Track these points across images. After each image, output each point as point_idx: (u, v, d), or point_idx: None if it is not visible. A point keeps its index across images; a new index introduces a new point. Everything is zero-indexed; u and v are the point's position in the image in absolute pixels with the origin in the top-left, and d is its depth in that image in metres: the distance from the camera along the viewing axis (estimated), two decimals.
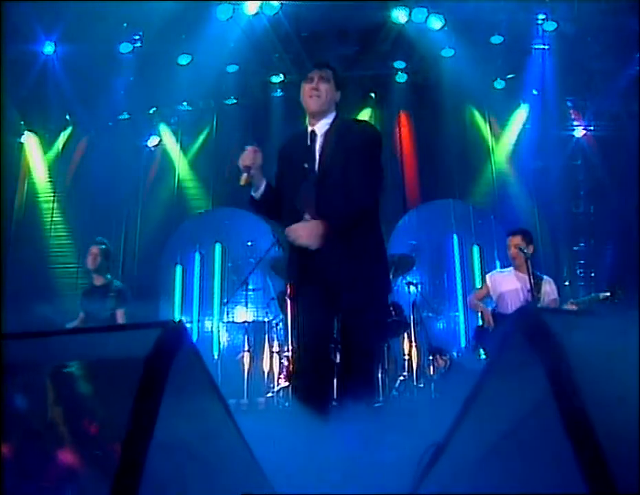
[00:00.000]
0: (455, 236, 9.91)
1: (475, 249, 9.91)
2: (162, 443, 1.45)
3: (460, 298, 9.69)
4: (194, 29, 9.06)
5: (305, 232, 3.48)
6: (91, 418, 1.64)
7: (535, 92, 9.89)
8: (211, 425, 1.81)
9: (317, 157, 3.66)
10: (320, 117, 3.77)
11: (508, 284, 6.45)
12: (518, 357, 1.53)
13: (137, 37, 9.33)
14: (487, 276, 6.82)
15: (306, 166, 3.63)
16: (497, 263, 9.17)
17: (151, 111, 10.48)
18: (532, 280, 6.03)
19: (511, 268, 6.57)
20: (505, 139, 10.29)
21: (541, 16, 8.99)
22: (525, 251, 6.17)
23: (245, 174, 3.56)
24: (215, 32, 9.09)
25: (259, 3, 8.78)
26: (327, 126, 3.75)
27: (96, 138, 10.31)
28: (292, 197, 3.66)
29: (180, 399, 1.66)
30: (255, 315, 9.12)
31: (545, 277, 6.55)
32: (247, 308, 8.77)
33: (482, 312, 6.69)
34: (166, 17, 8.66)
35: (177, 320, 1.71)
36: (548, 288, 6.44)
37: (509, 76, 9.85)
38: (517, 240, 6.37)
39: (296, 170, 3.68)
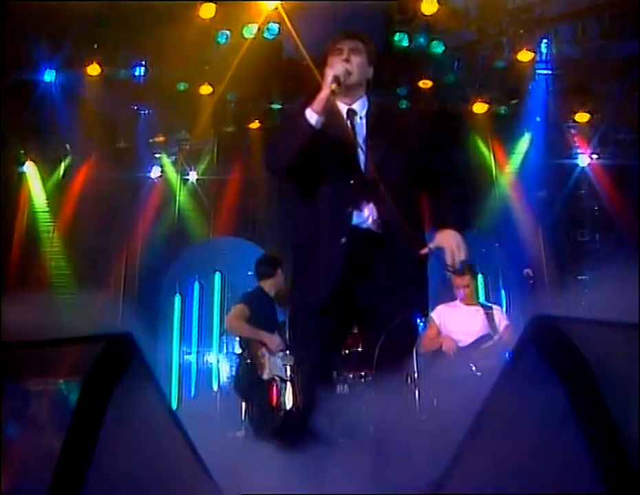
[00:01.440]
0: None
1: (479, 278, 9.44)
2: (102, 466, 1.31)
3: None
4: (194, 56, 8.98)
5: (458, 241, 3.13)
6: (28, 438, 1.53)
7: (538, 119, 9.74)
8: (160, 446, 1.56)
9: (362, 141, 3.24)
10: (353, 94, 3.37)
11: (458, 318, 6.29)
12: (533, 371, 1.42)
13: (142, 64, 9.22)
14: (432, 314, 6.43)
15: (352, 143, 3.21)
16: (503, 293, 8.97)
17: (152, 140, 10.33)
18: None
19: (457, 301, 6.45)
20: (509, 166, 10.15)
21: (544, 41, 8.83)
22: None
23: (334, 83, 3.11)
24: (215, 58, 9.00)
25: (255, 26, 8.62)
26: (365, 109, 3.37)
27: (96, 168, 10.14)
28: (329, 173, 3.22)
29: (125, 421, 1.41)
30: None
31: (494, 306, 6.54)
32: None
33: (442, 345, 6.28)
34: (168, 44, 8.59)
35: (124, 332, 1.51)
36: (500, 315, 6.36)
37: (513, 102, 9.71)
38: (465, 280, 6.33)
39: (331, 142, 3.21)
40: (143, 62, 9.18)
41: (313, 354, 3.17)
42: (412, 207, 3.30)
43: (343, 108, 3.34)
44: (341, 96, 3.31)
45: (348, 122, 3.30)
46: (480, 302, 6.52)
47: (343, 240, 3.09)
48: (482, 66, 9.23)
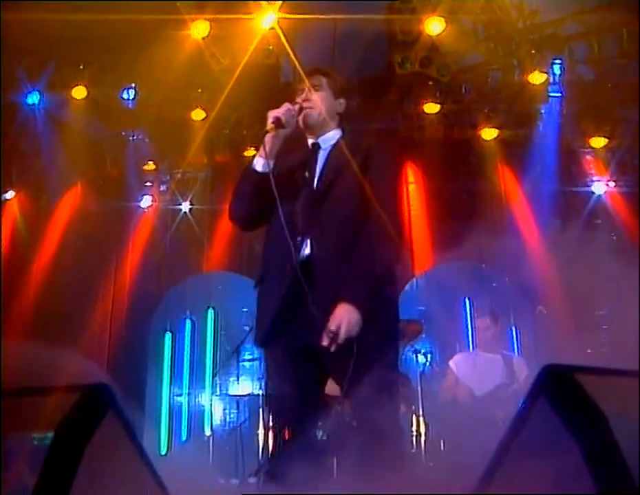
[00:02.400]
0: (466, 300, 9.71)
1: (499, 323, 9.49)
2: None
3: None
4: (186, 78, 9.02)
5: (348, 321, 3.03)
6: None
7: (551, 144, 9.70)
8: None
9: (317, 173, 3.36)
10: (318, 130, 3.47)
11: (476, 366, 6.41)
12: (545, 423, 1.39)
13: (128, 86, 9.23)
14: (450, 363, 6.76)
15: (306, 175, 3.35)
16: (513, 330, 8.94)
17: (142, 168, 10.35)
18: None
19: (479, 349, 6.64)
20: (519, 195, 10.11)
21: (557, 61, 8.81)
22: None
23: (272, 124, 3.26)
24: (208, 81, 9.00)
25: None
26: (333, 141, 3.45)
27: (82, 197, 10.18)
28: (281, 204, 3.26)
29: (99, 475, 1.39)
30: (249, 387, 8.92)
31: (514, 355, 6.70)
32: (240, 380, 8.72)
33: (458, 394, 6.43)
34: (158, 66, 8.57)
35: (102, 383, 1.49)
36: (521, 365, 6.43)
37: (524, 126, 9.72)
38: (486, 322, 6.56)
39: (290, 176, 3.36)
40: (132, 85, 9.20)
41: (283, 398, 3.23)
42: (347, 244, 3.22)
43: (309, 140, 3.47)
44: (309, 132, 3.45)
45: (311, 155, 3.41)
46: (499, 351, 6.60)
47: (288, 266, 3.13)
48: (491, 89, 9.26)
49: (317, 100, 3.42)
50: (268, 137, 3.25)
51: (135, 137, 9.87)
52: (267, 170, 3.21)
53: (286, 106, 3.34)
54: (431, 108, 9.62)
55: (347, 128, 3.54)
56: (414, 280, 9.84)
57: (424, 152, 10.15)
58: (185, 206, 10.63)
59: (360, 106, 9.48)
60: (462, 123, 9.88)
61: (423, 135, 10.10)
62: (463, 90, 9.48)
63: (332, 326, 2.98)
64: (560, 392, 1.34)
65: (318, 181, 3.31)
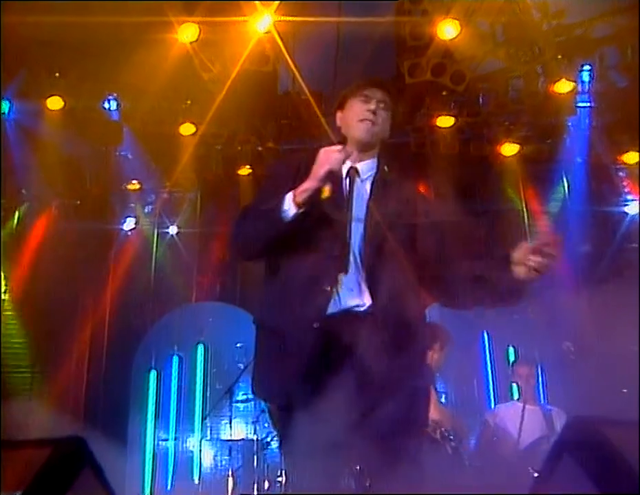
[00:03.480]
0: (485, 335, 9.73)
1: (510, 351, 9.73)
2: None
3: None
4: (174, 88, 9.01)
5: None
6: None
7: (579, 160, 9.67)
8: None
9: (359, 208, 3.18)
10: (366, 153, 3.33)
11: (514, 419, 6.42)
12: (573, 476, 1.40)
13: (110, 97, 9.20)
14: (487, 416, 6.92)
15: (344, 209, 3.15)
16: (538, 369, 8.74)
17: (125, 187, 10.38)
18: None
19: (516, 401, 6.77)
20: (544, 217, 10.03)
21: (586, 67, 8.73)
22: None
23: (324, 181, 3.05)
24: (198, 91, 8.98)
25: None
26: (373, 170, 3.31)
27: (58, 218, 10.15)
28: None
29: None
30: (243, 431, 9.03)
31: (554, 408, 6.71)
32: (233, 423, 8.69)
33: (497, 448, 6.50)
34: (142, 74, 8.53)
35: (76, 436, 1.45)
36: (561, 418, 6.50)
37: (549, 141, 9.67)
38: (524, 370, 6.69)
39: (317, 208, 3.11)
40: (114, 95, 9.18)
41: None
42: (408, 284, 3.17)
43: (344, 166, 3.22)
44: (356, 150, 3.28)
45: (347, 183, 3.22)
46: (539, 403, 6.80)
47: (316, 325, 2.99)
48: (511, 99, 9.16)
49: (384, 122, 3.33)
50: (308, 186, 3.04)
51: (117, 153, 9.85)
52: (296, 217, 3.03)
53: (339, 152, 3.10)
54: (445, 121, 9.58)
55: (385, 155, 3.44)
56: (426, 311, 9.59)
57: (437, 171, 9.87)
58: (172, 229, 10.68)
59: None
60: (479, 138, 9.82)
61: (435, 152, 10.01)
62: (480, 101, 9.45)
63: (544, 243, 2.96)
64: (586, 447, 1.32)
65: (367, 215, 3.16)
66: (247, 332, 9.20)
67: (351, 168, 3.24)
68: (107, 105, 9.23)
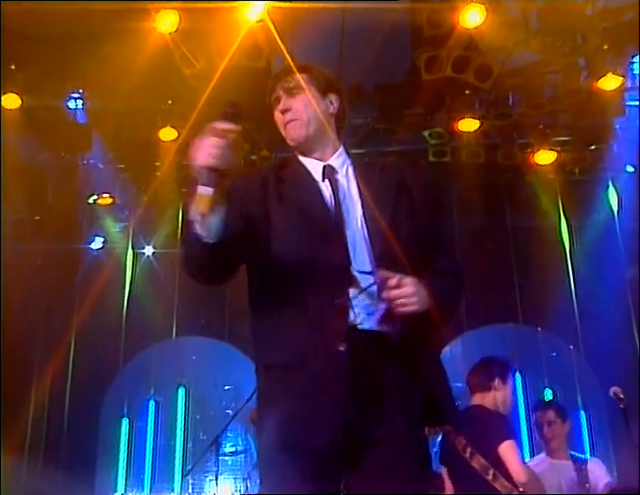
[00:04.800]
0: (518, 375, 9.46)
1: (548, 394, 9.56)
2: None
3: None
4: (151, 86, 8.83)
5: (415, 290, 2.83)
6: None
7: (630, 169, 9.58)
8: None
9: (350, 206, 3.08)
10: (315, 145, 3.22)
11: (543, 476, 6.17)
12: None
13: (75, 95, 9.13)
14: None
15: (330, 215, 3.03)
16: (582, 414, 8.89)
17: (94, 201, 10.28)
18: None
19: (543, 454, 6.61)
20: (587, 236, 9.96)
21: (637, 59, 8.63)
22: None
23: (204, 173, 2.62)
24: (180, 90, 8.88)
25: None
26: (348, 161, 3.23)
27: (14, 235, 10.04)
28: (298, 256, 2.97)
29: None
30: (232, 489, 9.03)
31: (590, 458, 6.63)
32: (220, 480, 8.47)
33: None
34: (113, 69, 8.41)
35: None
36: (598, 471, 6.42)
37: (591, 147, 9.53)
38: (549, 416, 6.51)
39: (301, 218, 3.03)
40: (80, 93, 9.12)
41: None
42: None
43: (316, 166, 3.19)
44: (304, 152, 3.24)
45: (327, 184, 3.14)
46: (571, 454, 6.52)
47: (342, 347, 2.81)
48: (547, 98, 9.03)
49: (300, 107, 3.20)
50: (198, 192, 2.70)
51: (84, 162, 9.84)
52: (218, 236, 2.72)
53: (211, 138, 2.71)
54: (468, 124, 9.51)
55: (344, 133, 3.35)
56: (447, 347, 9.64)
57: (460, 182, 10.05)
58: (149, 250, 10.64)
59: (376, 121, 9.63)
60: (509, 143, 9.77)
61: (457, 160, 9.99)
62: (510, 100, 9.36)
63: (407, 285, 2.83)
64: None
65: (365, 217, 3.05)
66: (236, 372, 9.29)
67: (325, 166, 3.20)
68: (72, 105, 9.18)
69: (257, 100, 8.77)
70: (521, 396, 9.53)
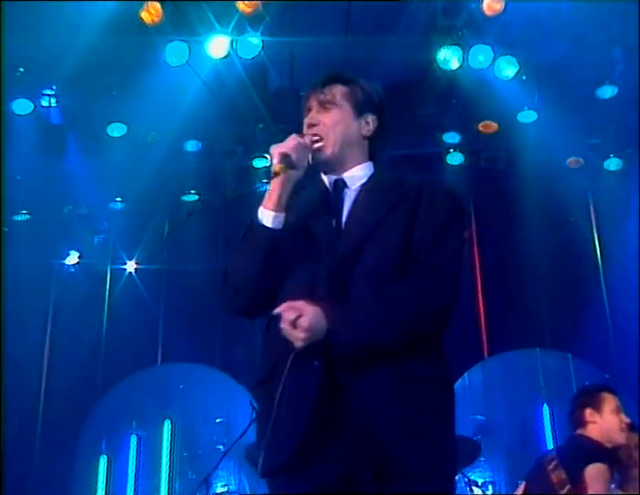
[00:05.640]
0: (545, 407, 9.39)
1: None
2: None
3: None
4: (130, 81, 8.73)
5: (313, 314, 2.90)
6: None
7: None
8: None
9: (344, 223, 3.24)
10: (339, 166, 3.33)
11: None
12: None
13: (48, 92, 9.00)
14: None
15: (333, 225, 3.21)
16: None
17: (69, 211, 10.22)
18: None
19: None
20: (622, 250, 9.77)
21: None
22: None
23: (280, 165, 3.08)
24: (164, 86, 8.73)
25: (228, 39, 8.35)
26: (364, 179, 3.31)
27: None
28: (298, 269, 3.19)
29: None
30: None
31: None
32: None
33: None
34: (86, 63, 8.36)
35: None
36: None
37: (628, 150, 9.41)
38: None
39: (305, 229, 3.22)
40: (52, 89, 9.02)
41: None
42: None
43: (330, 180, 3.36)
44: (325, 169, 3.35)
45: (333, 197, 3.33)
46: None
47: (316, 363, 2.97)
48: (582, 95, 8.94)
49: (328, 124, 3.27)
50: (275, 182, 3.12)
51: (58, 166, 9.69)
52: (279, 225, 3.13)
53: (294, 138, 3.15)
54: (491, 126, 9.48)
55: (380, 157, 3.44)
56: (465, 375, 9.65)
57: (482, 190, 9.95)
58: (130, 266, 10.47)
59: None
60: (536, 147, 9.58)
61: (477, 166, 9.98)
62: (536, 98, 9.20)
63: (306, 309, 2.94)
64: None
65: (346, 234, 3.19)
66: (229, 403, 9.12)
67: (337, 180, 3.35)
68: (44, 102, 9.04)
69: (251, 96, 8.89)
70: (550, 429, 9.32)
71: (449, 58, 8.60)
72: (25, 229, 9.93)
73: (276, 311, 2.92)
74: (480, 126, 9.46)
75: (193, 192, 10.21)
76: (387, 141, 3.48)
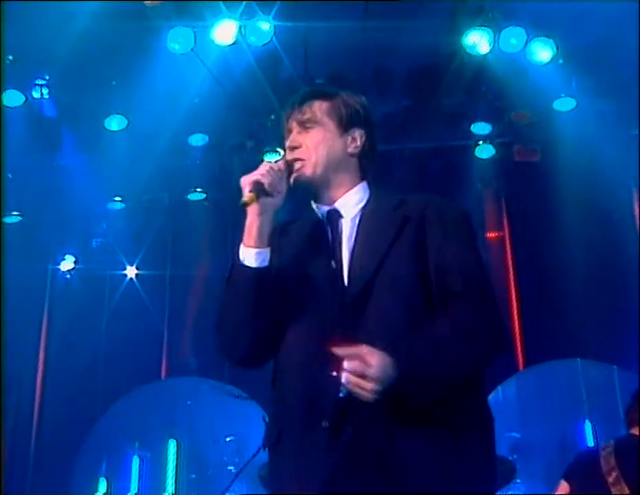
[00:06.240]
0: (587, 424, 9.24)
1: None
2: None
3: None
4: (130, 70, 8.67)
5: (381, 362, 2.74)
6: None
7: None
8: None
9: (345, 260, 3.13)
10: (326, 192, 3.26)
11: None
12: None
13: (40, 82, 8.92)
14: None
15: (333, 265, 3.11)
16: None
17: (64, 212, 10.10)
18: None
19: None
20: None
21: None
22: None
23: (250, 193, 3.01)
24: (167, 75, 8.68)
25: (237, 24, 8.23)
26: (360, 205, 3.26)
27: None
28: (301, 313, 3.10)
29: None
30: None
31: None
32: None
33: None
34: (82, 50, 8.23)
35: None
36: None
37: None
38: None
39: (299, 268, 3.17)
40: (45, 79, 8.98)
41: None
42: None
43: (322, 211, 3.29)
44: (312, 197, 3.32)
45: (329, 230, 3.23)
46: None
47: (325, 424, 2.88)
48: (624, 80, 8.84)
49: (310, 146, 3.20)
50: (251, 214, 3.06)
51: (52, 163, 9.70)
52: (264, 262, 3.06)
53: (265, 164, 3.12)
54: (525, 115, 9.38)
55: (372, 177, 3.38)
56: (499, 389, 9.54)
57: (515, 186, 9.97)
58: (131, 272, 10.42)
59: (408, 112, 9.54)
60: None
61: (510, 159, 9.85)
62: (574, 84, 9.09)
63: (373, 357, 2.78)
64: None
65: (351, 273, 3.09)
66: (240, 420, 9.04)
67: (330, 211, 3.27)
68: (36, 93, 8.95)
69: (262, 85, 8.92)
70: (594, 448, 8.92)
71: (478, 41, 8.44)
72: (16, 232, 9.80)
73: (338, 352, 2.74)
74: (513, 116, 9.34)
75: (198, 190, 10.14)
76: (377, 158, 3.37)
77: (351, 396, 2.82)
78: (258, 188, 3.00)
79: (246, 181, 3.01)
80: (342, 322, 3.01)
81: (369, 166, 3.34)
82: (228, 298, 3.18)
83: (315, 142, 3.19)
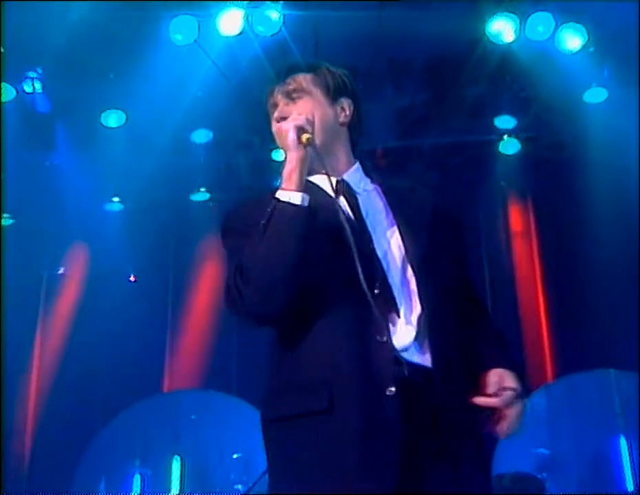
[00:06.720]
0: (622, 439, 9.16)
1: None
2: None
3: None
4: (129, 62, 8.62)
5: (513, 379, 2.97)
6: None
7: None
8: None
9: (376, 225, 3.17)
10: (330, 160, 3.19)
11: None
12: None
13: (32, 75, 8.88)
14: None
15: (351, 235, 3.00)
16: None
17: (60, 213, 10.07)
18: None
19: None
20: None
21: None
22: None
23: (306, 134, 2.98)
24: (168, 68, 8.65)
25: (243, 13, 8.21)
26: (364, 184, 3.28)
27: None
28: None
29: None
30: None
31: None
32: None
33: None
34: (77, 41, 8.22)
35: None
36: None
37: None
38: None
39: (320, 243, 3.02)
40: (37, 72, 8.99)
41: None
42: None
43: (326, 181, 3.16)
44: (310, 169, 3.17)
45: (342, 201, 3.18)
46: None
47: (392, 389, 2.85)
48: None
49: (304, 113, 3.16)
50: (294, 161, 2.99)
51: (47, 163, 9.73)
52: (305, 202, 2.99)
53: (296, 118, 3.10)
54: (552, 107, 9.32)
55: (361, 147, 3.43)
56: (526, 401, 9.21)
57: (542, 183, 9.93)
58: (130, 276, 10.23)
59: (428, 104, 9.53)
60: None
61: (536, 154, 9.82)
62: (605, 73, 9.03)
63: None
64: None
65: (401, 234, 3.17)
66: (249, 435, 9.03)
67: (338, 181, 3.23)
68: (27, 87, 8.89)
69: (269, 79, 8.89)
70: (629, 464, 9.05)
71: (502, 29, 8.40)
72: (9, 235, 9.72)
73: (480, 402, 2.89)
74: (539, 108, 9.28)
75: (202, 190, 10.15)
76: (363, 129, 3.40)
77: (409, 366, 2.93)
78: (303, 133, 2.99)
79: (292, 125, 2.97)
80: (387, 285, 3.03)
81: (358, 142, 3.36)
82: (268, 242, 3.00)
83: (305, 111, 3.17)
